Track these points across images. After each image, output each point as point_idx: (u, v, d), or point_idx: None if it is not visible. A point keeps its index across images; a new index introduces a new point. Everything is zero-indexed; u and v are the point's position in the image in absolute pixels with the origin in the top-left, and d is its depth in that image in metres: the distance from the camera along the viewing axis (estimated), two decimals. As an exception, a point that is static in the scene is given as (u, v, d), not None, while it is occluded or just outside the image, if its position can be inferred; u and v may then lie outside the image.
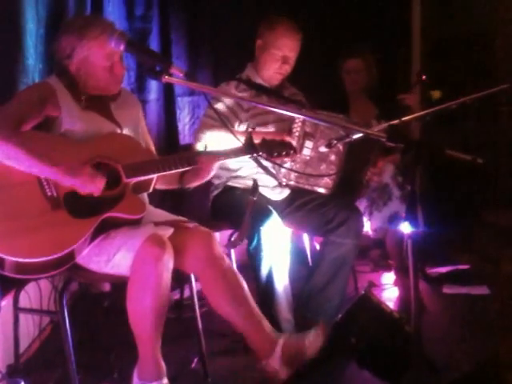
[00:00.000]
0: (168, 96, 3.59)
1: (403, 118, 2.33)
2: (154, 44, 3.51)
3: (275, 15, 2.72)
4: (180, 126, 3.59)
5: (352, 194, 2.72)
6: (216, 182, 2.72)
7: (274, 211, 2.46)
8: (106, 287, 3.09)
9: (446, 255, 3.63)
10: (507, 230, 3.59)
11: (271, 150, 2.23)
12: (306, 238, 3.04)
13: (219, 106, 2.61)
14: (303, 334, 2.07)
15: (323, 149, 2.47)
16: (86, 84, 2.06)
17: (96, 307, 2.81)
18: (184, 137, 3.58)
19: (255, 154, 2.16)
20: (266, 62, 2.68)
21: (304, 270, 2.84)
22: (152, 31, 3.49)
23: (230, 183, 2.69)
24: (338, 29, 3.90)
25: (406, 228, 1.54)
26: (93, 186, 1.88)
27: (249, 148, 2.15)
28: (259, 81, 2.71)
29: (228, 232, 2.70)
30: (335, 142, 2.40)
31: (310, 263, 2.94)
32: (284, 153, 2.26)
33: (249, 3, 3.69)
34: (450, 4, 4.16)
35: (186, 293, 2.86)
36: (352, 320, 2.13)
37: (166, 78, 1.62)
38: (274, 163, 2.36)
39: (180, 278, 2.47)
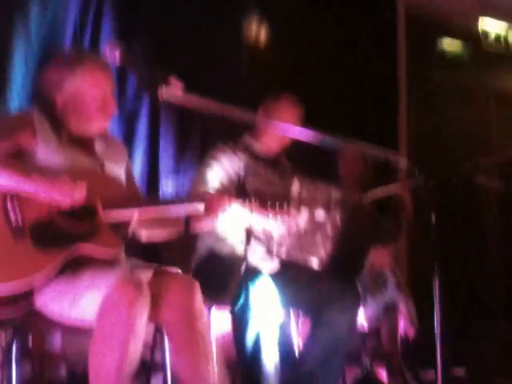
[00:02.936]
0: (152, 175, 3.45)
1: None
2: (142, 123, 3.45)
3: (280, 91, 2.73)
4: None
5: (351, 273, 2.52)
6: (200, 246, 2.49)
7: (264, 272, 2.22)
8: (63, 372, 2.74)
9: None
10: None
11: (264, 200, 2.03)
12: (292, 324, 2.74)
13: (215, 164, 2.47)
14: None
15: (320, 213, 2.30)
16: (73, 120, 1.89)
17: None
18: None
19: (247, 199, 1.95)
20: (268, 132, 2.62)
21: (291, 358, 2.52)
22: (141, 111, 3.44)
23: (215, 247, 2.45)
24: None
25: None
26: (73, 194, 1.66)
27: (240, 193, 1.95)
28: (257, 149, 2.63)
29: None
30: (333, 205, 2.25)
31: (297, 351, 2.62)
32: (277, 205, 2.06)
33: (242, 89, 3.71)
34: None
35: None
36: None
37: (164, 92, 1.49)
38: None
39: (147, 365, 2.18)
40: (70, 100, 1.87)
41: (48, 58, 2.31)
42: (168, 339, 1.79)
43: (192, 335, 1.75)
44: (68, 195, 1.66)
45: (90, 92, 1.87)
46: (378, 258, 3.01)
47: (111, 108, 1.93)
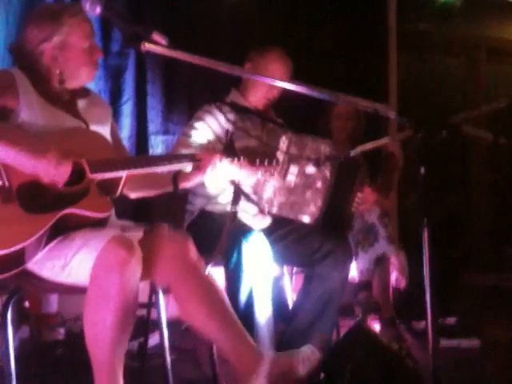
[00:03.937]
0: (141, 134, 3.44)
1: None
2: (128, 81, 3.41)
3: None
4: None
5: (342, 226, 2.51)
6: (191, 208, 2.49)
7: (256, 229, 2.23)
8: (60, 335, 2.78)
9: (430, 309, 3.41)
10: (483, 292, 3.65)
11: (253, 157, 2.03)
12: (286, 280, 2.78)
13: (200, 125, 2.44)
14: (295, 351, 1.79)
15: (311, 169, 2.30)
16: (62, 73, 1.86)
17: (48, 356, 2.55)
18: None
19: (236, 158, 1.95)
20: (255, 86, 2.56)
21: (285, 312, 2.56)
22: (127, 68, 3.40)
23: (206, 208, 2.45)
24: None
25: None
26: (57, 173, 1.64)
27: (229, 151, 1.94)
28: (245, 105, 2.58)
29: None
30: (323, 160, 2.24)
31: (291, 306, 2.66)
32: (266, 162, 2.05)
33: (226, 47, 3.64)
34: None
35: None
36: (346, 352, 1.86)
37: (147, 46, 1.46)
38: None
39: (145, 325, 2.20)
40: (59, 52, 1.85)
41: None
42: (174, 293, 1.82)
43: (192, 283, 1.79)
44: (52, 176, 1.64)
45: (79, 42, 1.87)
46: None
47: (98, 54, 1.94)
